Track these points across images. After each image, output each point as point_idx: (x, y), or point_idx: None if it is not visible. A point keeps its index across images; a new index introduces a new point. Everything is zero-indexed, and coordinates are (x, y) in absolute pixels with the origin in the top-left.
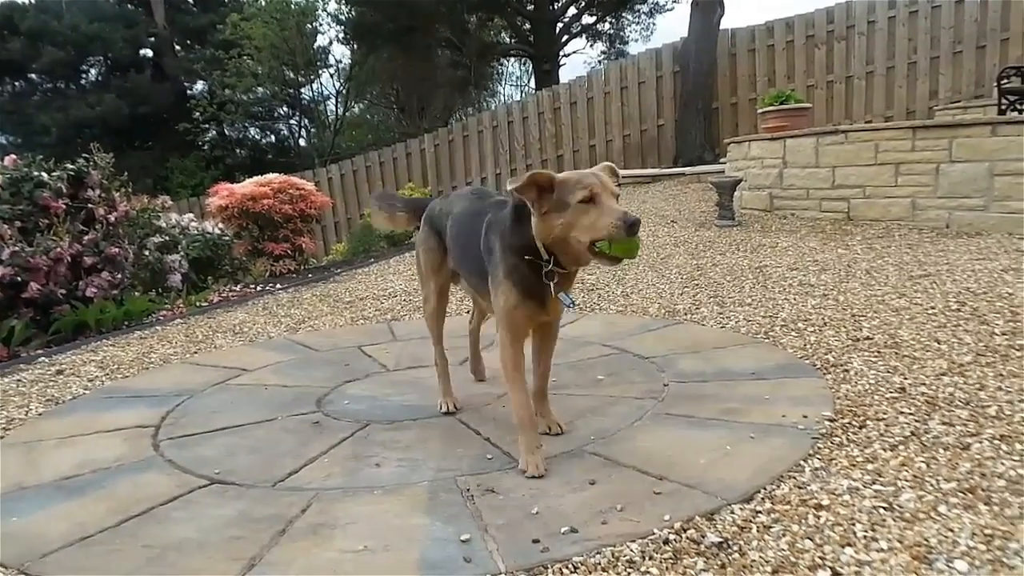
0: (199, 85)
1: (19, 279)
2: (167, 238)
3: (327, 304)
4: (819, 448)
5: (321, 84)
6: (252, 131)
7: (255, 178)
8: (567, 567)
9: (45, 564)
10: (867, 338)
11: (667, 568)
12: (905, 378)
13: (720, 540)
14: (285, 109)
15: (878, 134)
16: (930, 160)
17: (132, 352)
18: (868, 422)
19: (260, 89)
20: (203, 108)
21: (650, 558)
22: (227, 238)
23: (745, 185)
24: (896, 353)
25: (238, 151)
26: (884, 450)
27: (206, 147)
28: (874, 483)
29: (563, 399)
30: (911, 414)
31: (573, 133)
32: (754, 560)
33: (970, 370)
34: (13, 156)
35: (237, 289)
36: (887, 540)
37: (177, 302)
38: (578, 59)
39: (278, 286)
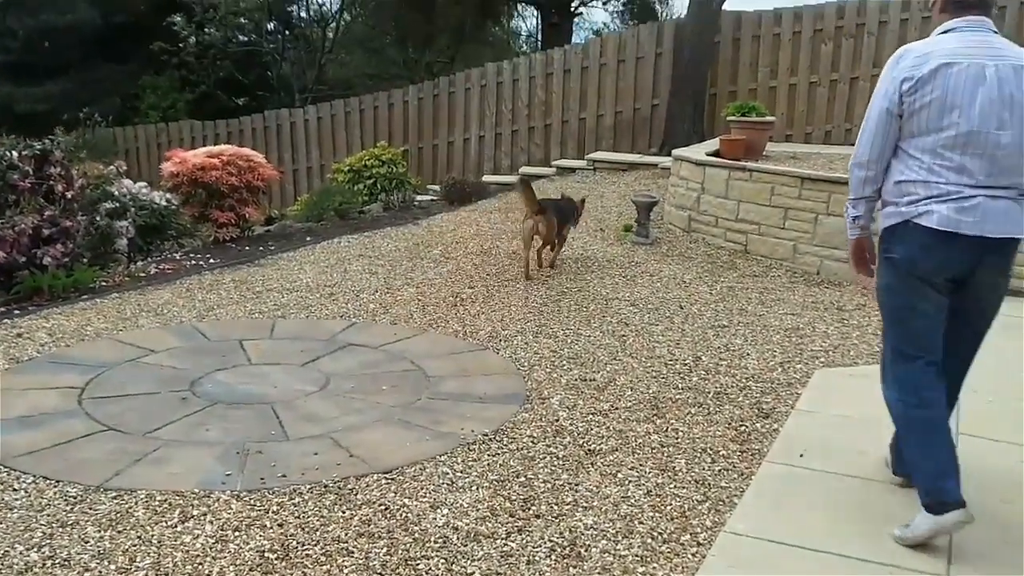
0: None
1: None
2: (118, 204)
3: (239, 292)
4: (456, 451)
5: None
6: (234, 42)
7: (207, 148)
8: (272, 492)
9: (15, 461)
10: (590, 380)
11: (317, 499)
12: (567, 417)
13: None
14: (272, 25)
15: (775, 178)
16: (812, 210)
17: (74, 322)
18: (506, 441)
19: None
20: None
21: (311, 493)
22: (174, 207)
23: (674, 202)
24: (595, 396)
25: (218, 62)
26: (491, 455)
27: (182, 69)
28: (467, 478)
29: (343, 400)
30: (543, 439)
31: (564, 103)
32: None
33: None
34: None
35: (178, 257)
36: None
37: (119, 268)
38: (599, 14)
39: (211, 260)
